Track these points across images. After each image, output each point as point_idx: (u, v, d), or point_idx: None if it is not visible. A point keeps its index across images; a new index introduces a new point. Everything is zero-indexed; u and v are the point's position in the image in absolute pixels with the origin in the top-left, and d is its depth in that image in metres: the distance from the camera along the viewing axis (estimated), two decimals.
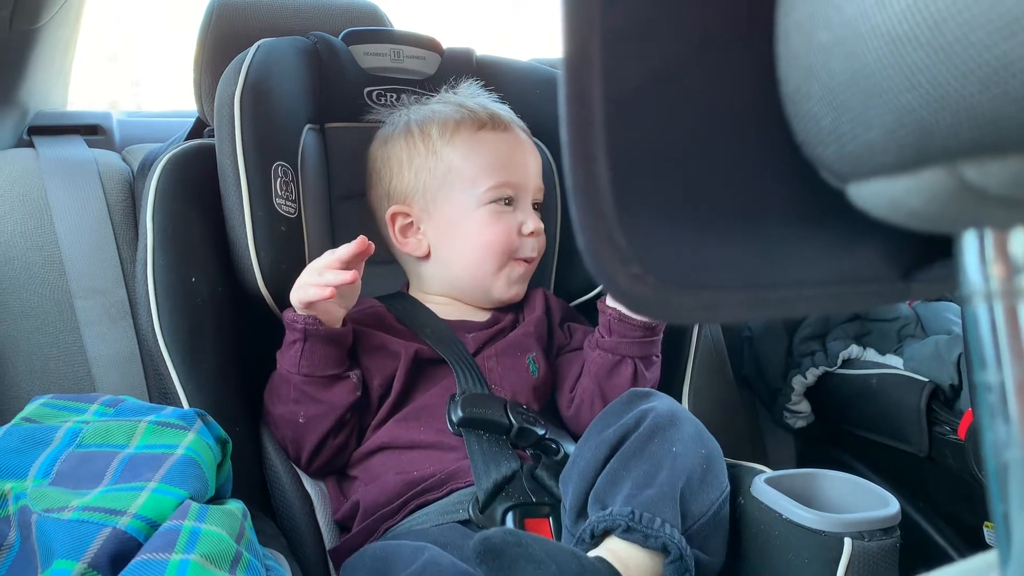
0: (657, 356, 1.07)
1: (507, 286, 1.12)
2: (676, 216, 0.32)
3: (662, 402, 0.89)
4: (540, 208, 1.16)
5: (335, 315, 0.99)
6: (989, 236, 0.26)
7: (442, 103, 1.16)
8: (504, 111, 1.16)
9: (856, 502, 0.90)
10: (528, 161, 1.14)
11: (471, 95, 1.18)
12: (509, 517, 0.90)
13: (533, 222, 1.11)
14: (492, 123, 1.12)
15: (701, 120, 0.31)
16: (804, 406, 1.50)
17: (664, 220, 0.31)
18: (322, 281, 0.94)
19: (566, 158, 0.30)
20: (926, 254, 0.33)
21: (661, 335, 1.06)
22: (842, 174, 0.28)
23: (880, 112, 0.23)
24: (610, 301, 1.04)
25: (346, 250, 0.95)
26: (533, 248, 1.12)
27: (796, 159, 0.31)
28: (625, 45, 0.29)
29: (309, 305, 0.96)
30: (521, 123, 1.18)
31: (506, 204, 1.10)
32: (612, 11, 0.29)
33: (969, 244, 0.27)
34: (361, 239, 0.95)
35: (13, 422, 0.78)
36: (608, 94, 0.29)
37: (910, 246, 0.32)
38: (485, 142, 1.11)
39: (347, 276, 0.93)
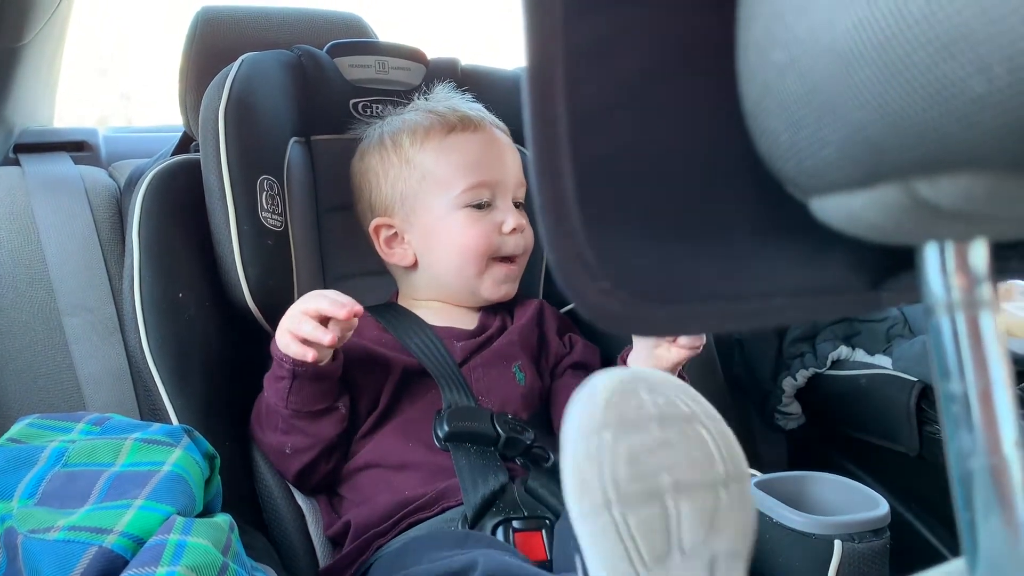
0: None
1: (494, 286, 1.11)
2: (644, 231, 0.32)
3: None
4: (523, 207, 1.14)
5: (324, 353, 0.96)
6: (950, 248, 0.27)
7: (413, 111, 1.16)
8: (475, 111, 1.15)
9: (846, 504, 0.90)
10: (504, 158, 1.13)
11: (443, 99, 1.17)
12: (499, 532, 0.89)
13: (514, 219, 1.09)
14: (462, 124, 1.11)
15: (666, 135, 0.31)
16: (795, 407, 1.50)
17: (632, 236, 0.32)
18: (300, 334, 0.92)
19: (533, 176, 0.30)
20: (894, 263, 0.33)
21: None
22: (803, 189, 0.28)
23: (833, 129, 0.23)
24: (633, 357, 1.01)
25: (330, 307, 0.92)
26: (516, 246, 1.11)
27: (761, 172, 0.31)
28: (588, 62, 0.29)
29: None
30: (496, 121, 1.16)
31: (485, 205, 1.09)
32: (574, 29, 0.29)
33: (930, 256, 0.27)
34: (354, 309, 0.92)
35: None
36: (573, 111, 0.29)
37: (878, 256, 0.33)
38: (456, 144, 1.10)
39: (325, 338, 0.91)
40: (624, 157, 0.31)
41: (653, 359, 0.97)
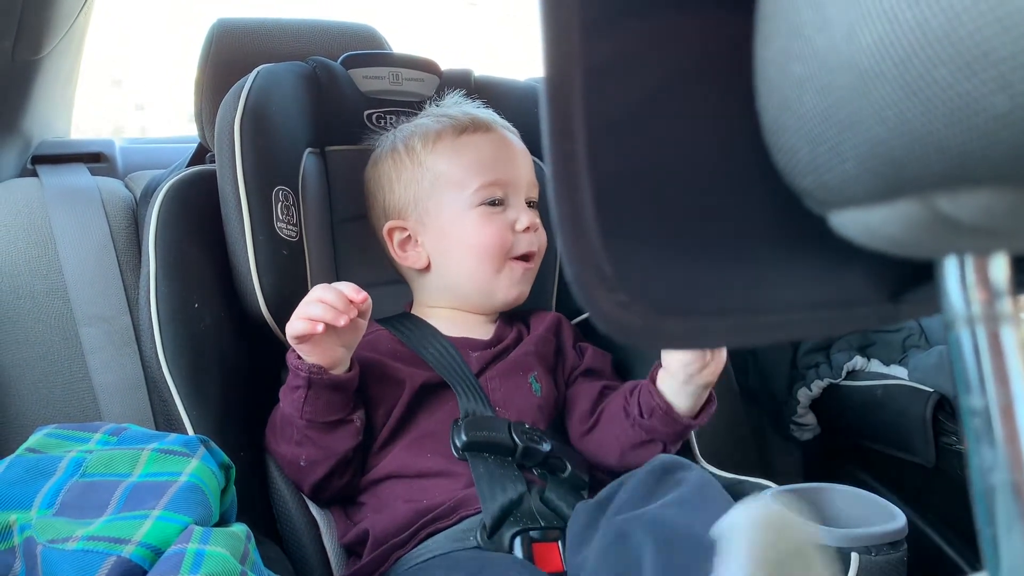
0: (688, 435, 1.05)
1: (509, 286, 1.11)
2: (662, 244, 0.32)
3: (695, 475, 0.85)
4: (537, 207, 1.15)
5: (338, 357, 0.95)
6: (970, 261, 0.26)
7: (425, 116, 1.17)
8: (486, 114, 1.16)
9: (863, 516, 0.90)
10: (516, 158, 1.14)
11: (454, 104, 1.19)
12: (517, 542, 0.89)
13: (527, 217, 1.10)
14: (474, 126, 1.13)
15: (684, 149, 0.31)
16: (810, 418, 1.50)
17: (650, 248, 0.32)
18: (307, 314, 0.91)
19: (551, 190, 0.30)
20: (913, 276, 0.33)
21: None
22: (822, 203, 0.28)
23: (853, 145, 0.23)
24: (660, 383, 1.00)
25: (336, 289, 0.91)
26: (531, 244, 1.11)
27: (779, 186, 0.31)
28: (606, 78, 0.29)
29: (302, 339, 0.92)
30: (507, 124, 1.18)
31: (498, 203, 1.10)
32: (592, 46, 0.29)
33: (950, 270, 0.27)
34: (357, 288, 0.92)
35: (17, 452, 0.79)
36: (590, 127, 0.30)
37: (897, 268, 0.32)
38: (467, 144, 1.11)
39: (329, 315, 0.89)
40: (641, 171, 0.31)
41: (683, 377, 0.97)
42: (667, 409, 0.98)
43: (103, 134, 1.75)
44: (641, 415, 1.01)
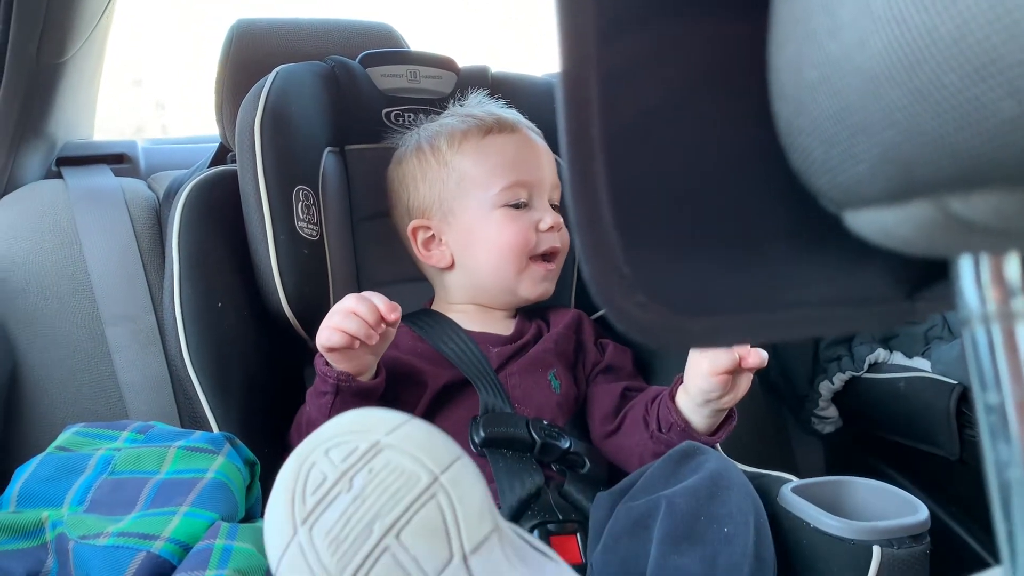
0: None
1: (533, 285, 1.12)
2: (679, 245, 0.32)
3: (711, 463, 0.85)
4: (559, 209, 1.15)
5: (366, 364, 0.95)
6: (984, 260, 0.27)
7: (450, 116, 1.18)
8: (511, 114, 1.17)
9: (885, 509, 0.89)
10: (540, 159, 1.14)
11: (478, 104, 1.20)
12: (535, 535, 0.90)
13: (551, 217, 1.10)
14: (499, 126, 1.13)
15: (701, 151, 0.31)
16: (832, 411, 1.49)
17: (668, 249, 0.32)
18: (342, 327, 0.90)
19: (569, 193, 0.31)
20: (929, 273, 0.33)
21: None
22: (836, 203, 0.28)
23: (865, 147, 0.24)
24: (680, 401, 0.99)
25: (370, 302, 0.91)
26: (553, 241, 1.11)
27: (795, 184, 0.31)
28: (622, 82, 0.30)
29: (333, 350, 0.92)
30: (531, 125, 1.18)
31: (522, 205, 1.10)
32: (609, 50, 0.29)
33: (965, 269, 0.27)
34: (392, 305, 0.91)
35: (48, 451, 0.80)
36: (608, 130, 0.30)
37: (913, 266, 0.33)
38: (493, 145, 1.12)
39: (363, 332, 0.89)
40: (658, 174, 0.31)
41: (700, 400, 0.96)
42: (685, 427, 0.98)
43: (124, 134, 1.77)
44: (660, 429, 1.01)
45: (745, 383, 0.97)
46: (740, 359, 0.93)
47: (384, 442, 0.60)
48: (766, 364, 0.95)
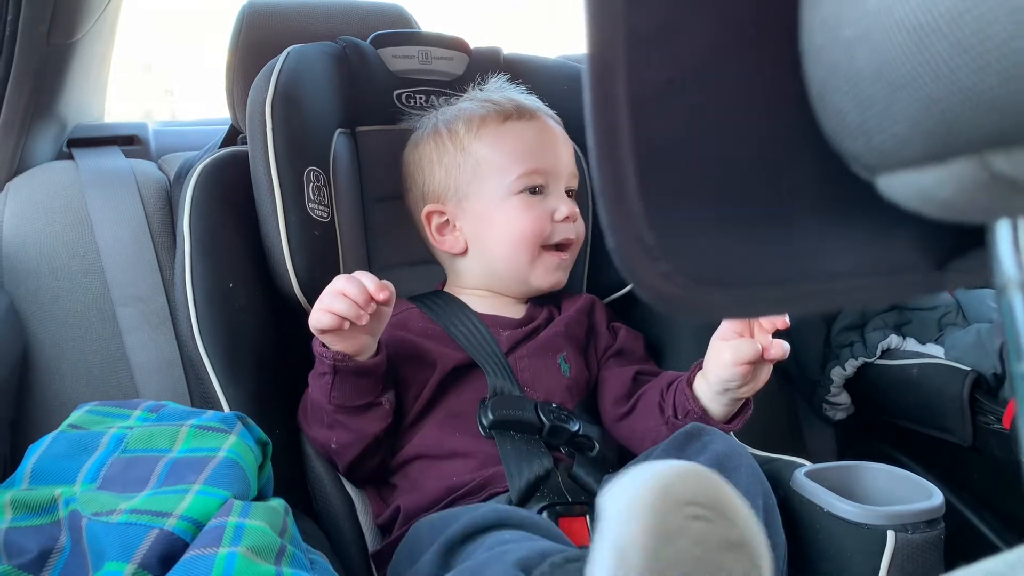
0: None
1: (546, 274, 1.11)
2: (705, 213, 0.32)
3: (717, 444, 0.86)
4: (575, 196, 1.15)
5: (363, 344, 0.95)
6: (1023, 224, 0.26)
7: (469, 100, 1.17)
8: (531, 101, 1.16)
9: (899, 494, 0.89)
10: (558, 147, 1.13)
11: (498, 89, 1.18)
12: (544, 517, 0.89)
13: (567, 207, 1.10)
14: (518, 113, 1.12)
15: (727, 118, 0.31)
16: (844, 398, 1.48)
17: (693, 218, 0.31)
18: (330, 308, 0.90)
19: (593, 160, 0.30)
20: (960, 243, 0.32)
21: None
22: (871, 167, 0.28)
23: (906, 104, 0.23)
24: (698, 388, 0.99)
25: (359, 282, 0.90)
26: (568, 232, 1.10)
27: (824, 152, 0.31)
28: (649, 47, 0.29)
29: (325, 331, 0.92)
30: (550, 112, 1.17)
31: (538, 191, 1.10)
32: (635, 13, 0.29)
33: (1003, 233, 0.26)
34: (382, 285, 0.91)
35: (60, 429, 0.80)
36: (633, 95, 0.29)
37: (944, 236, 0.32)
38: (511, 131, 1.11)
39: (352, 312, 0.89)
40: (684, 140, 0.31)
41: (719, 388, 0.96)
42: (702, 415, 0.98)
43: (134, 119, 1.77)
44: (676, 415, 1.00)
45: (765, 373, 0.96)
46: (763, 350, 0.93)
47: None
48: (788, 356, 0.95)
